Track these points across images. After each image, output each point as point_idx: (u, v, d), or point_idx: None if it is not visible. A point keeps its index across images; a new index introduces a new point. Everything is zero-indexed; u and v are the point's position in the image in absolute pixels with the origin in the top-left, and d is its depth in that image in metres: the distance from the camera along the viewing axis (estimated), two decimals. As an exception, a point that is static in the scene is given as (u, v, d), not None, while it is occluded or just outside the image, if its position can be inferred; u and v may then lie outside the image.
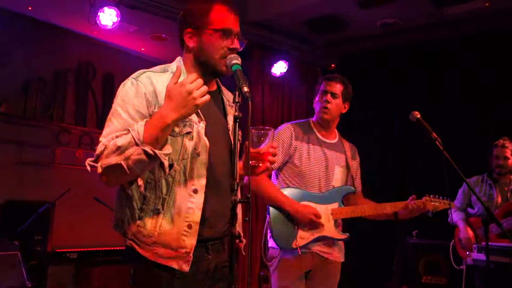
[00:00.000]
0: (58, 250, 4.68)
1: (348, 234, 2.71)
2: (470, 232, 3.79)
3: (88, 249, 4.77)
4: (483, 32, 4.83)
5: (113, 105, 1.66)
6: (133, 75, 1.70)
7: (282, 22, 5.07)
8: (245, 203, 1.51)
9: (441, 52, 5.08)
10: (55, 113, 5.19)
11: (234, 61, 1.68)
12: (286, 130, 2.73)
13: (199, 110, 1.66)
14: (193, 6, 1.78)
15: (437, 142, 2.53)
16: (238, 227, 1.84)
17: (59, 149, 5.14)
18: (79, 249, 4.75)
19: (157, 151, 1.55)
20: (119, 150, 1.53)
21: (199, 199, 1.70)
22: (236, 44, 1.76)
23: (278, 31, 5.22)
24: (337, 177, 2.75)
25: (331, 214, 2.65)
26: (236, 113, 1.56)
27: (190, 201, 1.68)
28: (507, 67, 4.72)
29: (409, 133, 2.96)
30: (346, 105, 2.82)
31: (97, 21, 4.15)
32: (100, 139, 1.60)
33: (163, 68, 1.75)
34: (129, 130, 1.57)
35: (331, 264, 2.70)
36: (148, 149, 1.53)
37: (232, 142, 1.62)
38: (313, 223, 2.57)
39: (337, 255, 2.74)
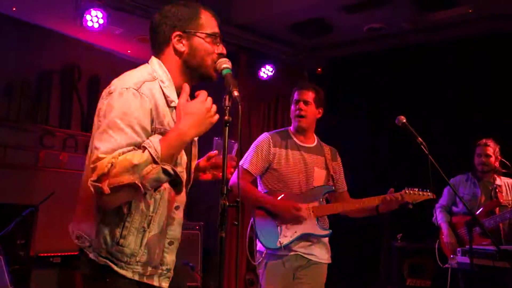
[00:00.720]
0: (42, 254, 4.61)
1: (330, 230, 2.81)
2: (453, 238, 3.87)
3: (72, 253, 4.70)
4: (466, 37, 4.92)
5: (110, 117, 1.50)
6: (132, 85, 1.56)
7: (269, 26, 5.09)
8: (234, 207, 1.51)
9: (426, 56, 5.16)
10: (39, 116, 5.12)
11: (224, 65, 1.68)
12: (264, 139, 2.88)
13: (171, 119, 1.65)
14: (176, 9, 1.71)
15: (422, 146, 2.57)
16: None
17: (43, 152, 5.06)
18: (62, 253, 4.69)
19: (176, 171, 1.51)
20: (135, 168, 1.42)
21: (179, 215, 1.71)
22: (224, 49, 1.75)
23: (265, 35, 5.24)
24: (317, 178, 2.87)
25: (312, 212, 2.75)
26: (226, 118, 1.55)
27: (172, 217, 1.68)
28: (491, 70, 4.82)
29: (395, 136, 3.00)
30: (320, 110, 2.97)
31: (83, 23, 4.11)
32: (100, 155, 1.44)
33: (151, 75, 1.64)
34: (144, 146, 1.47)
35: (316, 266, 2.77)
36: (169, 168, 1.48)
37: (225, 148, 1.60)
38: (294, 216, 2.67)
39: (322, 256, 2.80)
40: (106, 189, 1.41)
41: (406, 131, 2.64)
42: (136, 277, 1.60)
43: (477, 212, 3.81)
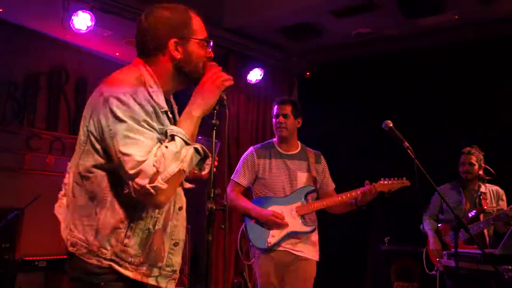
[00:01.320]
0: (27, 258, 4.56)
1: (313, 227, 3.11)
2: (439, 245, 3.92)
3: (58, 257, 4.65)
4: (453, 43, 4.99)
5: (122, 123, 1.50)
6: (129, 90, 1.55)
7: (258, 30, 5.11)
8: (221, 211, 1.51)
9: (414, 61, 5.22)
10: (26, 118, 5.06)
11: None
12: (249, 154, 3.24)
13: (168, 123, 1.66)
14: (171, 14, 1.69)
15: (408, 151, 2.59)
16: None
17: (29, 154, 5.02)
18: (48, 257, 4.64)
19: (205, 149, 1.61)
20: (177, 155, 1.51)
21: (183, 216, 1.73)
22: (212, 53, 1.76)
23: (254, 38, 5.26)
24: (301, 181, 3.17)
25: (296, 211, 3.07)
26: (214, 121, 1.59)
27: (176, 218, 1.70)
28: (477, 76, 4.89)
29: (383, 140, 3.04)
30: (299, 120, 3.29)
31: (71, 25, 4.09)
32: (139, 158, 1.47)
33: (139, 80, 1.62)
34: (172, 135, 1.54)
35: (305, 261, 3.07)
36: (199, 147, 1.59)
37: (212, 150, 1.63)
38: (276, 222, 3.00)
39: (310, 253, 3.10)
40: (163, 185, 1.46)
41: (392, 136, 2.66)
42: (141, 279, 1.60)
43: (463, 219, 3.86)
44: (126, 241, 1.57)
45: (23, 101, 5.06)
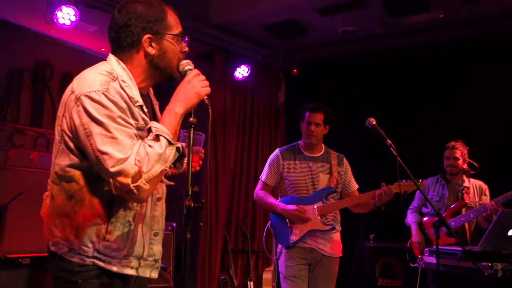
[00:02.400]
0: (10, 256, 4.51)
1: (332, 225, 3.28)
2: (421, 237, 3.97)
3: (42, 254, 4.61)
4: (438, 42, 5.03)
5: (96, 121, 1.49)
6: (99, 87, 1.53)
7: (245, 27, 5.10)
8: (200, 208, 1.51)
9: (399, 59, 5.25)
10: (9, 114, 5.00)
11: (187, 67, 1.70)
12: (275, 155, 3.44)
13: (147, 118, 1.66)
14: (145, 8, 1.66)
15: (391, 148, 2.62)
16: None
17: (13, 150, 4.96)
18: (32, 254, 4.59)
19: (184, 148, 1.63)
20: (162, 156, 1.53)
21: (162, 206, 1.75)
22: (187, 48, 1.75)
23: (240, 35, 5.24)
24: (323, 182, 3.34)
25: (317, 211, 3.24)
26: (191, 119, 1.60)
27: (155, 209, 1.72)
28: (462, 74, 4.94)
29: (367, 137, 3.09)
30: (327, 127, 3.45)
31: (55, 20, 4.04)
32: (118, 156, 1.46)
33: (111, 74, 1.60)
34: (157, 134, 1.54)
35: (328, 258, 3.25)
36: (180, 146, 1.61)
37: (187, 149, 1.62)
38: (299, 217, 3.19)
39: (333, 251, 3.28)
40: (145, 185, 1.48)
41: (375, 133, 2.68)
42: (125, 271, 1.61)
43: (444, 213, 3.90)
44: (107, 236, 1.58)
45: (7, 96, 4.99)
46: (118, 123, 1.51)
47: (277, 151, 3.47)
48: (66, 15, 4.03)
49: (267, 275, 5.36)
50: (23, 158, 5.00)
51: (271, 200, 3.37)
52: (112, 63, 1.67)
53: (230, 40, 5.22)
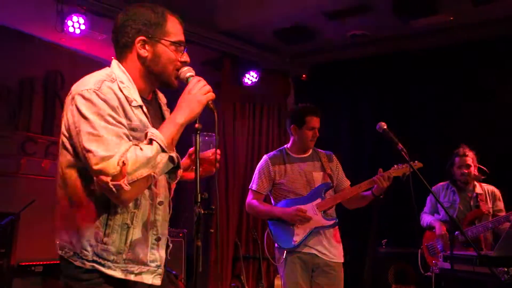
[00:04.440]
0: (23, 264, 4.53)
1: (336, 219, 3.19)
2: (444, 229, 3.84)
3: (54, 262, 4.62)
4: (448, 45, 4.99)
5: (86, 119, 1.51)
6: (92, 86, 1.57)
7: (253, 32, 5.11)
8: (210, 215, 1.50)
9: (409, 62, 5.21)
10: (21, 122, 5.05)
11: (188, 74, 1.70)
12: (264, 162, 3.34)
13: (146, 120, 1.66)
14: (144, 12, 1.69)
15: (403, 153, 2.59)
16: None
17: (24, 158, 5.00)
18: (44, 262, 4.61)
19: (179, 158, 1.61)
20: (150, 160, 1.51)
21: (165, 211, 1.71)
22: (187, 57, 1.74)
23: (249, 41, 5.25)
24: (317, 180, 3.26)
25: (317, 208, 3.15)
26: (197, 125, 1.60)
27: (157, 213, 1.68)
28: (472, 77, 4.89)
29: (378, 141, 3.07)
30: None
31: (65, 29, 4.08)
32: (100, 154, 1.46)
33: (109, 76, 1.63)
34: (151, 139, 1.54)
35: (333, 265, 3.13)
36: (174, 155, 1.58)
37: (194, 154, 1.62)
38: (301, 217, 3.07)
39: (335, 256, 3.16)
40: (127, 186, 1.46)
41: (387, 138, 2.65)
42: (125, 276, 1.59)
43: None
44: (105, 239, 1.57)
45: (18, 105, 5.05)
46: (106, 121, 1.52)
47: (265, 157, 3.38)
48: (76, 24, 4.07)
49: (278, 282, 5.32)
50: (34, 166, 5.05)
51: (267, 206, 3.28)
52: (113, 66, 1.70)
53: (239, 46, 5.22)
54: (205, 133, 1.72)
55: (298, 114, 3.30)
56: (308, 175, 3.27)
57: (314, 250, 3.12)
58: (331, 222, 3.16)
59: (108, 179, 1.45)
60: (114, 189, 1.46)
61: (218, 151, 1.81)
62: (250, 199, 3.33)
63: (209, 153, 1.82)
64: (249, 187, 3.36)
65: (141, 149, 1.51)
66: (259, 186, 3.30)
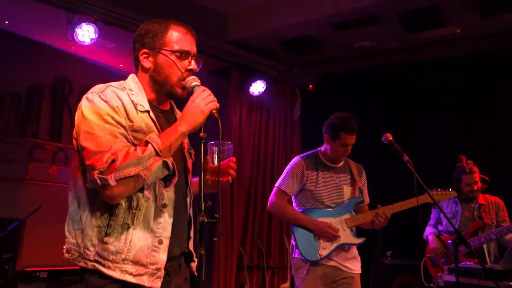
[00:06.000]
0: (28, 269, 4.55)
1: (364, 238, 3.08)
2: (439, 243, 3.90)
3: (59, 268, 4.65)
4: (455, 56, 4.99)
5: (86, 119, 1.58)
6: (97, 89, 1.65)
7: (261, 42, 5.14)
8: (213, 223, 1.50)
9: (415, 74, 5.22)
10: (29, 129, 5.10)
11: (194, 83, 1.72)
12: (298, 163, 3.16)
13: (152, 124, 1.70)
14: (149, 26, 1.77)
15: (408, 164, 2.58)
16: (190, 247, 1.86)
17: (32, 164, 5.04)
18: (49, 268, 4.63)
19: (174, 165, 1.62)
20: (140, 160, 1.53)
21: (169, 213, 1.70)
22: (194, 66, 1.77)
23: (256, 51, 5.28)
24: (347, 193, 3.17)
25: (345, 223, 3.07)
26: (201, 134, 1.62)
27: (160, 215, 1.68)
28: (478, 89, 4.88)
29: (384, 152, 3.05)
30: None
31: (75, 37, 4.13)
32: (92, 149, 1.53)
33: (120, 85, 1.72)
34: (147, 141, 1.58)
35: (354, 278, 3.06)
36: (169, 161, 1.60)
37: (200, 163, 1.63)
38: (331, 234, 2.98)
39: (355, 268, 3.10)
40: (113, 182, 1.49)
41: (392, 149, 2.65)
42: (123, 277, 1.59)
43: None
44: (105, 238, 1.59)
45: (27, 112, 5.10)
46: (104, 120, 1.58)
47: (299, 158, 3.19)
48: (86, 33, 4.12)
49: (282, 291, 5.30)
50: (42, 172, 5.08)
51: (297, 214, 3.12)
52: (128, 78, 1.79)
53: (246, 55, 5.26)
54: (219, 142, 1.69)
55: (335, 127, 3.13)
56: (339, 187, 3.16)
57: (336, 263, 3.04)
58: (360, 241, 3.07)
59: (96, 172, 1.50)
60: (99, 182, 1.50)
61: (234, 159, 1.84)
62: (275, 198, 3.15)
63: (228, 162, 1.82)
64: (276, 185, 3.19)
65: (135, 149, 1.55)
66: (289, 187, 3.12)
